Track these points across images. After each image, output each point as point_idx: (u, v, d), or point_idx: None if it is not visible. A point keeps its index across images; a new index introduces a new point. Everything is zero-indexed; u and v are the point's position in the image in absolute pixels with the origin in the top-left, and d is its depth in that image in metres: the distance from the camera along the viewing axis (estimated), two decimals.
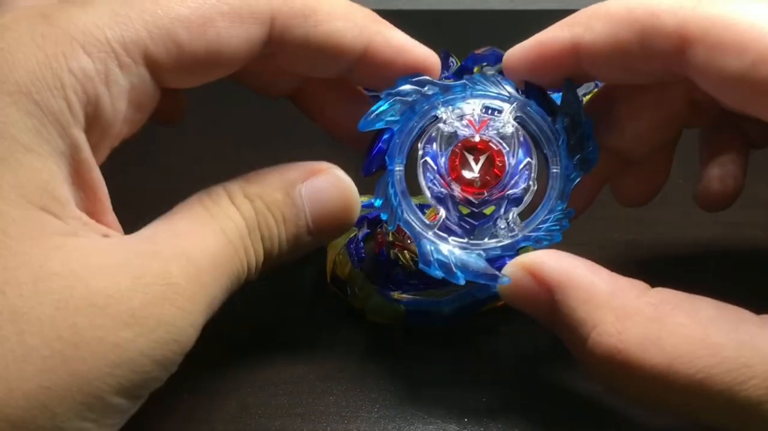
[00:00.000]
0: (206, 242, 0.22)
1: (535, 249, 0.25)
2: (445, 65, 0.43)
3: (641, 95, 0.28)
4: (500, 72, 0.44)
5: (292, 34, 0.24)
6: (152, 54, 0.21)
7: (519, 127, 0.27)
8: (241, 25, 0.22)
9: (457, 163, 0.26)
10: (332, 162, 0.26)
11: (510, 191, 0.26)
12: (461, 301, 0.31)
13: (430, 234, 0.26)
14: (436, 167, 0.27)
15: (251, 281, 0.24)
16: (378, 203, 0.26)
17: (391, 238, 0.33)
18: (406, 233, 0.28)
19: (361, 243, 0.35)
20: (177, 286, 0.20)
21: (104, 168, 0.22)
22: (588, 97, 0.41)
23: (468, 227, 0.27)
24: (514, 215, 0.26)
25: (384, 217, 0.26)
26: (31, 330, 0.18)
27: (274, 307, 0.33)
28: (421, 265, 0.26)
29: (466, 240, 0.26)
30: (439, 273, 0.25)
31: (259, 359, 0.30)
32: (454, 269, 0.25)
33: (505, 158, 0.26)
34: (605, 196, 0.31)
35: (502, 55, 0.46)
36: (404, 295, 0.31)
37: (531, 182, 0.26)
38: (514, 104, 0.26)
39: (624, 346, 0.21)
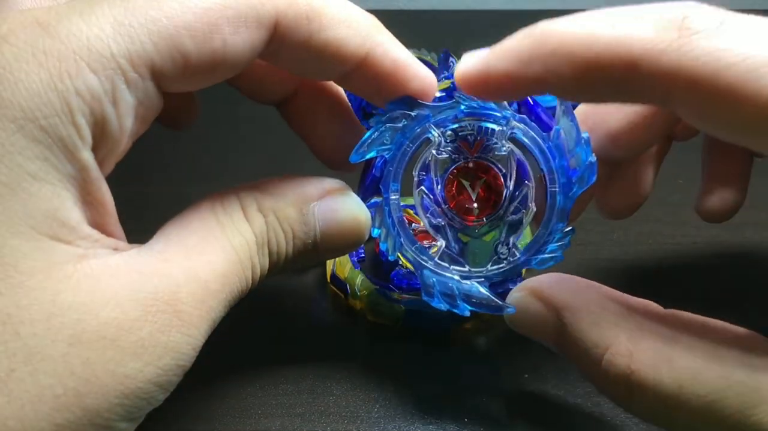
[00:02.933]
0: (216, 259, 0.22)
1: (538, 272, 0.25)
2: (445, 65, 0.43)
3: (633, 117, 0.27)
4: None
5: (294, 37, 0.23)
6: (158, 67, 0.20)
7: (513, 146, 0.26)
8: (246, 30, 0.21)
9: (453, 191, 0.26)
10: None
11: (510, 217, 0.26)
12: None
13: (430, 264, 0.26)
14: (432, 197, 0.26)
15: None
16: (376, 233, 0.26)
17: None
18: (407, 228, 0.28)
19: None
20: (184, 313, 0.20)
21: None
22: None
23: (468, 254, 0.26)
24: (515, 240, 0.26)
25: (383, 247, 0.26)
26: (45, 369, 0.18)
27: (275, 307, 0.33)
28: (424, 296, 0.25)
29: (467, 268, 0.26)
30: (443, 305, 0.25)
31: (260, 359, 0.30)
32: (457, 300, 0.25)
33: (502, 182, 0.26)
34: None
35: None
36: (404, 295, 0.31)
37: (530, 204, 0.26)
38: (507, 122, 0.25)
39: (636, 367, 0.21)
